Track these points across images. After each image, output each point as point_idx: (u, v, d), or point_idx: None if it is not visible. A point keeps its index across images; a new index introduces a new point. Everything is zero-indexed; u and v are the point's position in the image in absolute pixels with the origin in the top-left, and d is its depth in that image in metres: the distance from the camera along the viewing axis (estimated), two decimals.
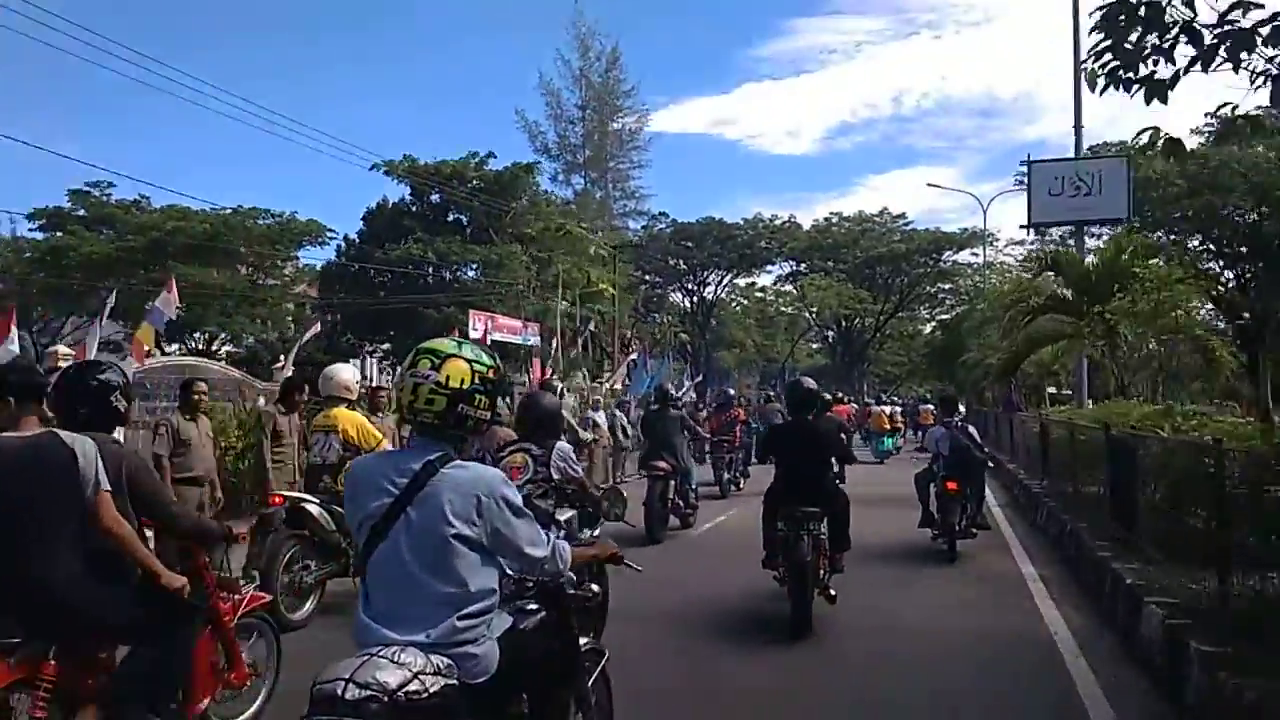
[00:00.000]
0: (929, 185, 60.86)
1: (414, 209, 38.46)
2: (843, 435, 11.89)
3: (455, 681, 2.61)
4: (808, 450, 7.47)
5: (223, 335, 39.39)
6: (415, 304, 33.82)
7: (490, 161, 36.81)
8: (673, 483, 11.53)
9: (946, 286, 58.94)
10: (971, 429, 11.58)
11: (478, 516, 2.71)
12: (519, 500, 2.83)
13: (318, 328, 23.57)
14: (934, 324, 62.42)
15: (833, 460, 8.27)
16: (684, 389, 30.18)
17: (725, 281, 52.58)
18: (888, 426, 28.06)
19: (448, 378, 2.77)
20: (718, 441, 16.76)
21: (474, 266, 36.03)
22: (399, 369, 3.10)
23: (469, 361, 2.82)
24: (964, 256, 55.80)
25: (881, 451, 26.92)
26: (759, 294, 45.19)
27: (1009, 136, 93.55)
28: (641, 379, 33.96)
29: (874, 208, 57.52)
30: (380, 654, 2.54)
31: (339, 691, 2.44)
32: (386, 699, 2.42)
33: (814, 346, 71.95)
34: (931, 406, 27.67)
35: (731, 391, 24.17)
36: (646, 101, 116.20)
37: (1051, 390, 29.94)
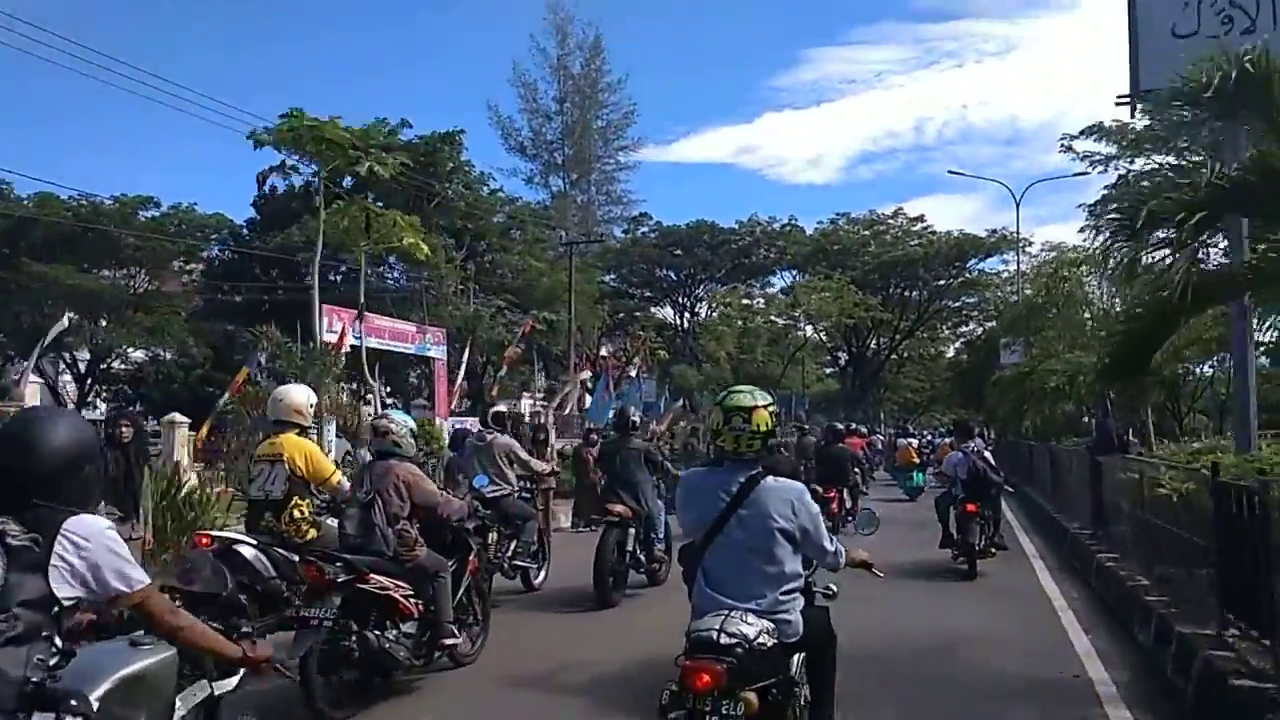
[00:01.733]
0: (950, 173, 55.85)
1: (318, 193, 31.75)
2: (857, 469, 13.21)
3: (776, 640, 3.62)
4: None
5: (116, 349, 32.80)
6: (303, 302, 26.83)
7: (405, 132, 29.81)
8: (633, 531, 9.48)
9: (972, 300, 51.48)
10: (987, 454, 11.65)
11: (793, 514, 3.77)
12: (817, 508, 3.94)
13: (65, 321, 17.63)
14: (958, 343, 55.05)
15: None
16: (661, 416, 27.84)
17: (722, 295, 44.92)
18: (916, 460, 24.87)
19: (759, 425, 3.83)
20: None
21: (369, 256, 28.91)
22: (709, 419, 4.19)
23: (765, 408, 3.87)
24: (992, 264, 48.46)
25: (912, 489, 23.22)
26: (744, 300, 37.52)
27: (1031, 165, 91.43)
28: (602, 404, 29.22)
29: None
30: (732, 614, 3.57)
31: (714, 638, 3.47)
32: (746, 646, 3.47)
33: (827, 372, 64.48)
34: (949, 440, 22.34)
35: None
36: (656, 130, 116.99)
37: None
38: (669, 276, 52.70)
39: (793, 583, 3.75)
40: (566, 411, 32.46)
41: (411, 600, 5.63)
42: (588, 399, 35.11)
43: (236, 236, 30.64)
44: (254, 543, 6.18)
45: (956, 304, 51.78)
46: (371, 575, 5.46)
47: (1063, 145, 24.55)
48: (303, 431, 6.62)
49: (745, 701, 3.43)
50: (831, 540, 3.93)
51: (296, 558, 5.80)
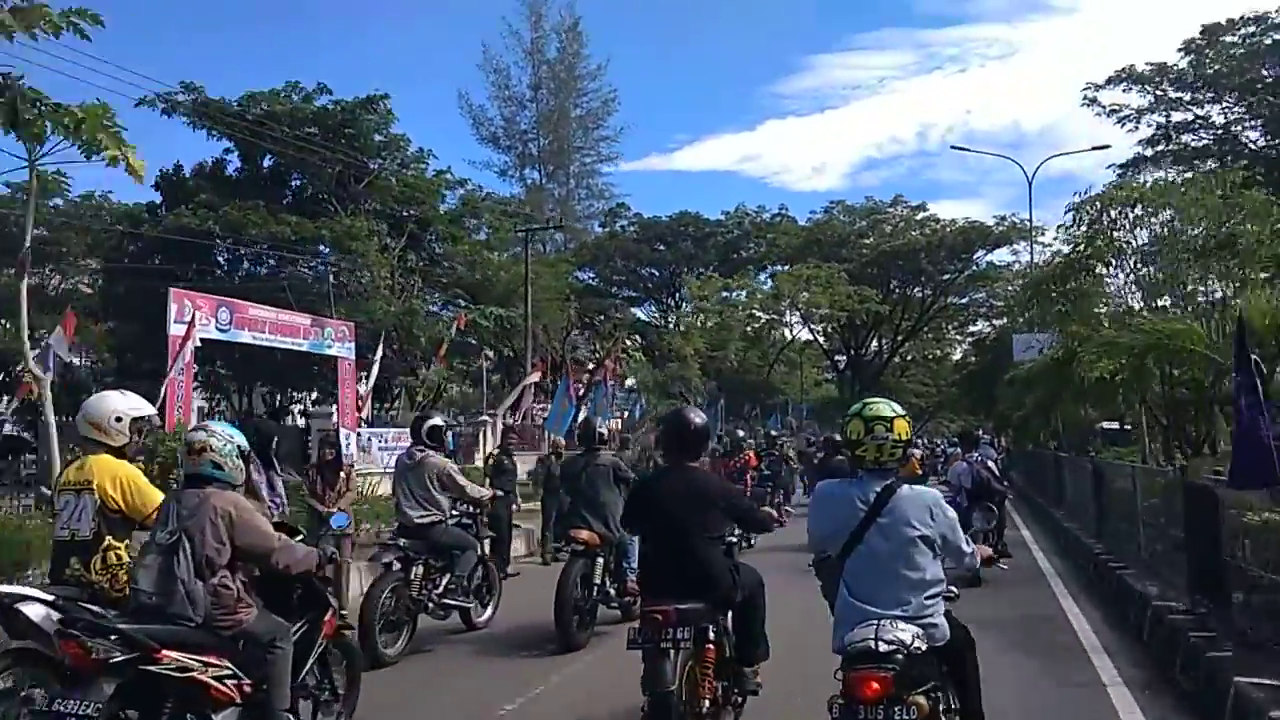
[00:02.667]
0: (953, 149, 51.78)
1: (236, 172, 27.82)
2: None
3: (925, 645, 3.63)
4: (682, 513, 5.12)
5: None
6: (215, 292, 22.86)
7: (321, 99, 25.79)
8: (601, 560, 8.19)
9: (980, 296, 47.33)
10: (990, 463, 11.73)
11: (931, 520, 3.78)
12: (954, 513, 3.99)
13: None
14: (965, 344, 50.89)
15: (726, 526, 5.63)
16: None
17: (697, 286, 40.44)
18: (919, 472, 19.96)
19: (900, 435, 3.86)
20: None
21: (294, 243, 24.89)
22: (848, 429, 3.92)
23: (903, 418, 3.92)
24: (1001, 256, 44.32)
25: None
26: (722, 292, 33.16)
27: (1028, 194, 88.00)
28: (562, 411, 25.91)
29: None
30: (883, 622, 3.59)
31: (873, 646, 3.52)
32: (905, 652, 3.51)
33: (826, 377, 60.38)
34: (958, 450, 18.70)
35: (741, 434, 20.07)
36: (658, 138, 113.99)
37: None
38: (652, 274, 48.69)
39: (935, 587, 3.78)
40: (519, 421, 28.53)
41: (230, 681, 4.29)
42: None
43: (136, 223, 26.66)
44: (47, 598, 4.87)
45: (963, 300, 47.70)
46: (165, 651, 4.11)
47: (1086, 98, 20.42)
48: (118, 452, 5.27)
49: (916, 706, 3.50)
50: (968, 543, 4.02)
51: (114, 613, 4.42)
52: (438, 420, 8.92)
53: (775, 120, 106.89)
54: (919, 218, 44.40)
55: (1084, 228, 10.96)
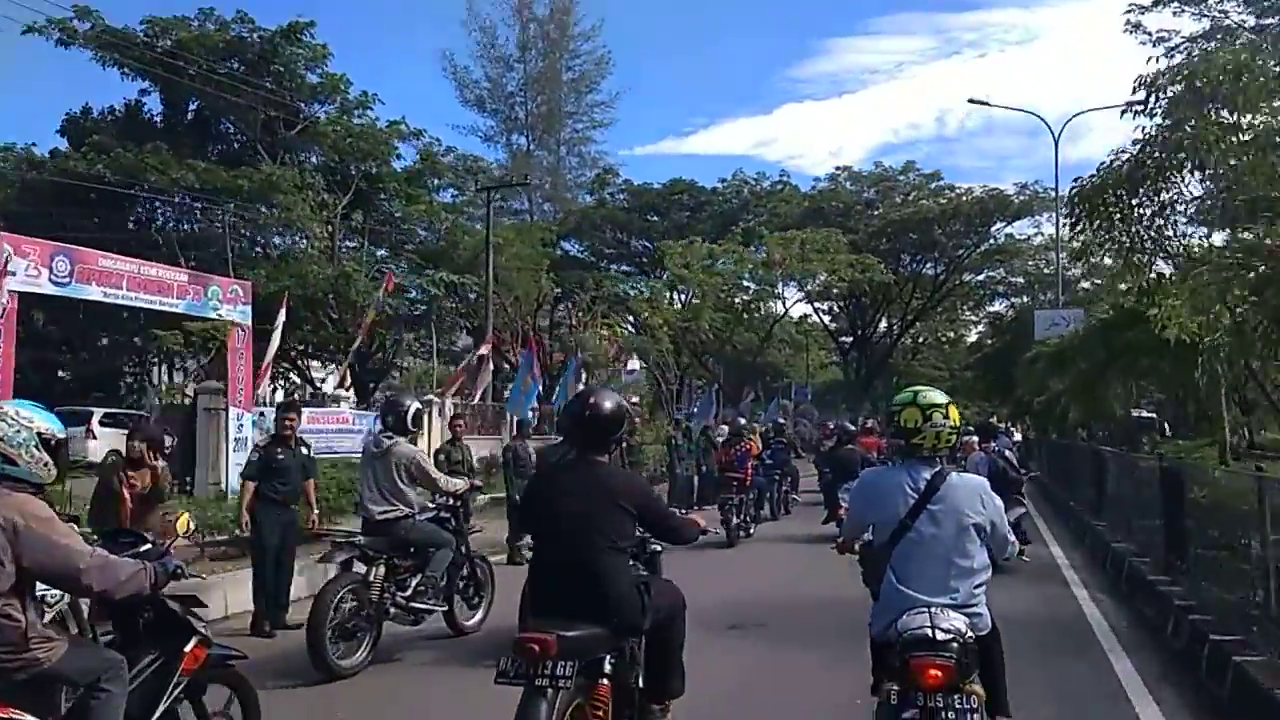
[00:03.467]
0: (970, 101, 46.78)
1: (157, 117, 24.50)
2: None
3: (974, 634, 3.62)
4: (580, 516, 4.27)
5: None
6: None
7: (236, 31, 22.33)
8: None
9: (998, 275, 43.73)
10: (1008, 452, 12.20)
11: (982, 507, 3.77)
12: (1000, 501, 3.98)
13: None
14: (981, 325, 47.31)
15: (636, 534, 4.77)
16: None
17: (678, 251, 36.61)
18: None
19: (955, 421, 3.87)
20: (725, 480, 14.75)
21: (205, 193, 21.55)
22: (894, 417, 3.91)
23: (952, 404, 3.93)
24: (1022, 228, 40.67)
25: None
26: (705, 259, 29.51)
27: (1054, 156, 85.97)
28: (525, 390, 23.38)
29: None
30: (935, 610, 3.59)
31: (929, 634, 3.50)
32: (959, 640, 3.51)
33: (831, 360, 56.95)
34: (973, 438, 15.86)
35: (743, 421, 19.16)
36: (673, 122, 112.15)
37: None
38: (645, 246, 45.21)
39: (983, 575, 3.77)
40: (474, 400, 25.31)
41: None
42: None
43: (33, 164, 23.34)
44: None
45: (979, 278, 44.08)
46: None
47: (1129, 24, 16.79)
48: None
49: (975, 695, 3.52)
50: (1012, 533, 4.04)
51: None
52: (413, 404, 7.79)
53: (792, 104, 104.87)
54: (932, 186, 40.73)
55: (1157, 117, 7.51)
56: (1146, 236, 7.27)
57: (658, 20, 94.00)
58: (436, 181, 30.79)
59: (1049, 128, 28.14)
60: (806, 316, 45.49)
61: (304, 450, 8.36)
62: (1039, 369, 18.24)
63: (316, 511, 8.31)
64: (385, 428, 7.64)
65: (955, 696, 3.39)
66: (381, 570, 7.04)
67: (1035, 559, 10.96)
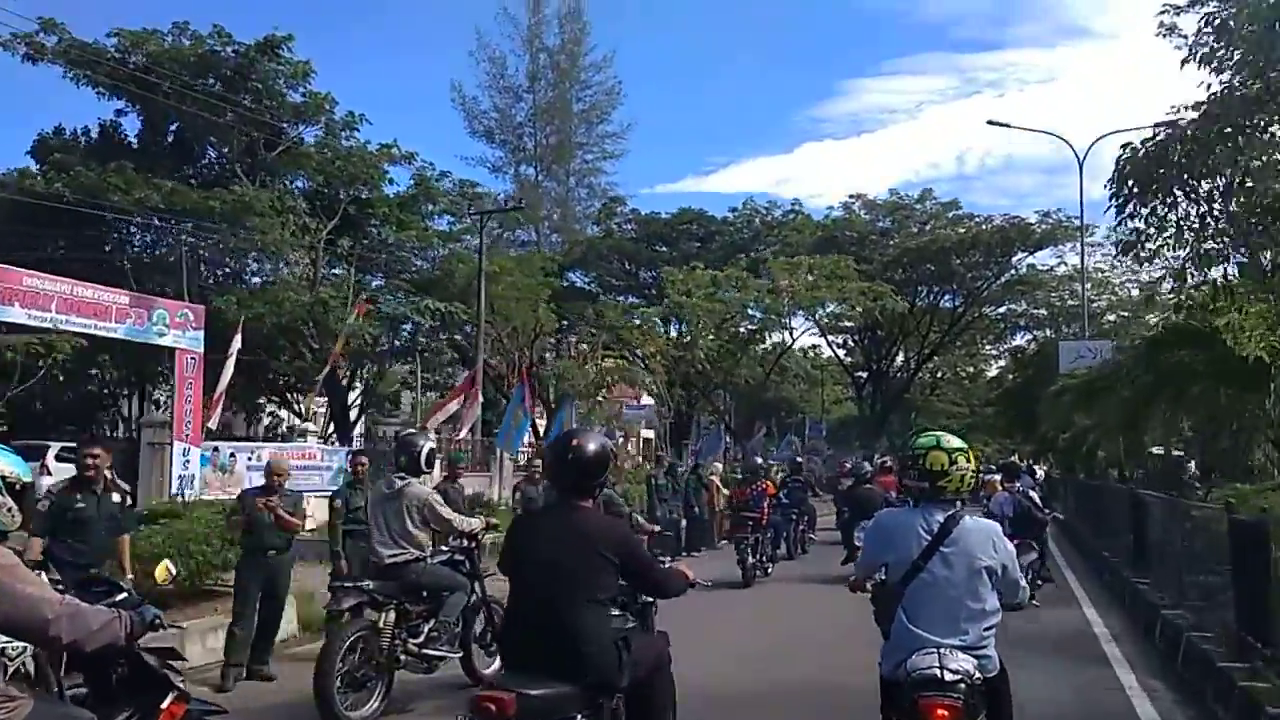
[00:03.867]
0: (989, 123, 44.25)
1: (135, 138, 23.55)
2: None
3: (982, 676, 3.65)
4: (557, 566, 4.06)
5: None
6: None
7: (209, 45, 21.33)
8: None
9: (1019, 307, 42.05)
10: (1032, 493, 12.32)
11: (994, 551, 3.82)
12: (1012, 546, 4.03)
13: None
14: (1001, 360, 45.60)
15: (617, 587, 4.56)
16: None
17: (679, 278, 35.09)
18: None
19: (974, 465, 3.94)
20: (740, 520, 14.79)
21: (172, 214, 20.43)
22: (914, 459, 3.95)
23: (970, 447, 4.01)
24: (1044, 259, 39.06)
25: None
26: (710, 286, 27.98)
27: (1074, 194, 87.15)
28: (515, 425, 23.71)
29: None
30: (944, 651, 3.62)
31: (938, 675, 3.54)
32: (967, 682, 3.55)
33: (846, 395, 55.27)
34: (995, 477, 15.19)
35: (759, 460, 19.42)
36: (694, 161, 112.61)
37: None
38: (653, 277, 43.97)
39: (993, 618, 3.81)
40: (461, 434, 23.95)
41: None
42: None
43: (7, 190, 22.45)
44: None
45: (1000, 310, 42.42)
46: None
47: (1162, 26, 15.32)
48: None
49: None
50: (1024, 579, 4.06)
51: None
52: (426, 444, 7.60)
53: (812, 143, 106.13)
54: (950, 215, 39.26)
55: (1225, 74, 6.06)
56: (1221, 216, 5.74)
57: (679, 61, 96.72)
58: (431, 208, 29.69)
59: (1073, 149, 26.59)
60: (816, 348, 43.99)
61: (114, 498, 6.82)
62: (1065, 402, 16.72)
63: (131, 576, 6.52)
64: (398, 468, 7.44)
65: None
66: (392, 616, 6.88)
67: (1064, 623, 9.40)
